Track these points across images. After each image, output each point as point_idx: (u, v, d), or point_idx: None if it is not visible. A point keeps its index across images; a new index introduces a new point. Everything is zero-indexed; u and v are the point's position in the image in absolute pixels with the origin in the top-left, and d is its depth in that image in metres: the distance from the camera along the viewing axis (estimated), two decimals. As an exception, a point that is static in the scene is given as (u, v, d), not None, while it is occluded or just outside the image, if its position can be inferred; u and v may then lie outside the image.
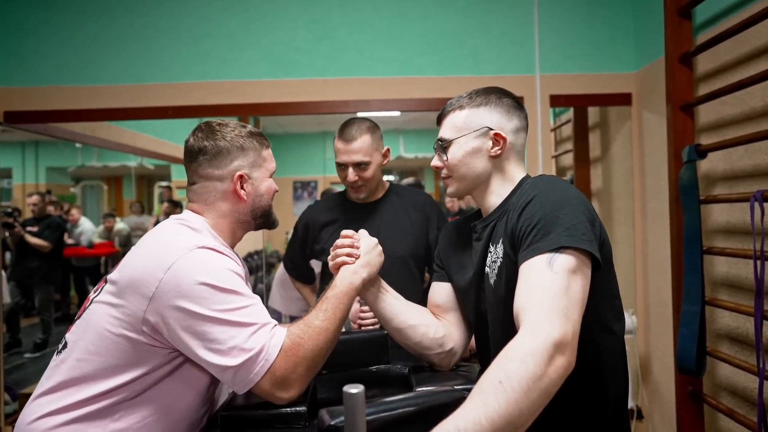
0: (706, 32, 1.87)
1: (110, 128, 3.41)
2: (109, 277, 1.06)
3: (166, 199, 6.34)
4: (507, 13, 2.43)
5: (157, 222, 5.85)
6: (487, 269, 1.08)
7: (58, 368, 1.02)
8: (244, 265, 1.28)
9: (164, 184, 7.88)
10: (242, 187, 1.14)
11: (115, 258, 6.39)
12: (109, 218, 6.65)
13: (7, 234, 3.67)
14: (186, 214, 1.15)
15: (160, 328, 0.98)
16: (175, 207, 5.46)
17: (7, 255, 4.42)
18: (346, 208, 1.80)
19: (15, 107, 2.45)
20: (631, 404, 2.29)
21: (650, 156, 2.29)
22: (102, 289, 1.07)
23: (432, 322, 1.22)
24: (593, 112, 2.84)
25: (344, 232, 1.19)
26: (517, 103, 1.14)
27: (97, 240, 6.45)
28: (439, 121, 1.16)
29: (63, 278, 5.56)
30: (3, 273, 3.59)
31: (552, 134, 3.10)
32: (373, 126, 1.73)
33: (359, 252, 1.16)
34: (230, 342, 0.95)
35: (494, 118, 1.10)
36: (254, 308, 1.00)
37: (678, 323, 1.80)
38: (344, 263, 1.15)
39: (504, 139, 1.09)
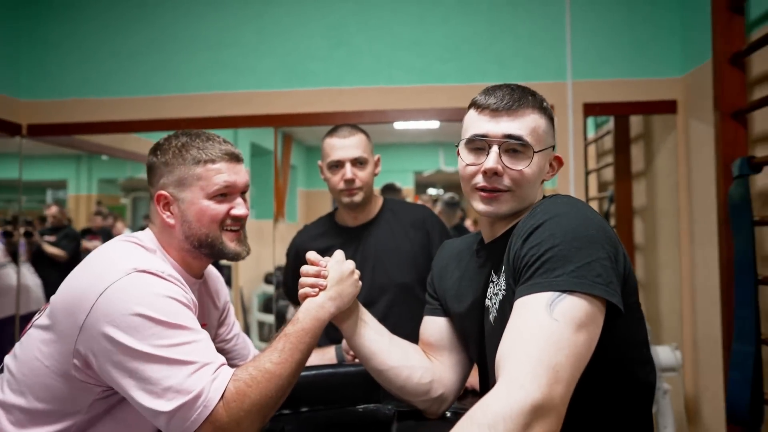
0: (760, 29, 1.64)
1: (139, 141, 3.43)
2: (51, 298, 0.96)
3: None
4: (536, 14, 2.25)
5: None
6: (487, 302, 0.91)
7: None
8: (213, 290, 1.15)
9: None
10: (167, 210, 1.01)
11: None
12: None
13: (24, 242, 3.76)
14: (143, 232, 1.05)
15: (90, 362, 0.87)
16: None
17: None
18: (339, 233, 1.63)
19: (38, 120, 2.48)
20: (676, 450, 2.01)
21: (698, 170, 2.03)
22: (45, 312, 0.97)
23: (419, 364, 1.04)
24: (636, 122, 2.60)
25: (309, 255, 1.04)
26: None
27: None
28: (504, 109, 0.86)
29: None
30: (39, 281, 3.65)
31: (593, 146, 2.87)
32: (364, 130, 1.61)
33: (326, 282, 0.99)
34: (164, 382, 0.82)
35: (553, 134, 0.92)
36: (197, 345, 0.86)
37: (728, 364, 1.55)
38: (307, 295, 0.99)
39: (562, 163, 0.93)
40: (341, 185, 1.54)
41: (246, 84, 2.39)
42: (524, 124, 0.86)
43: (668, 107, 2.18)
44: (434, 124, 5.05)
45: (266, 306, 4.75)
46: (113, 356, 0.84)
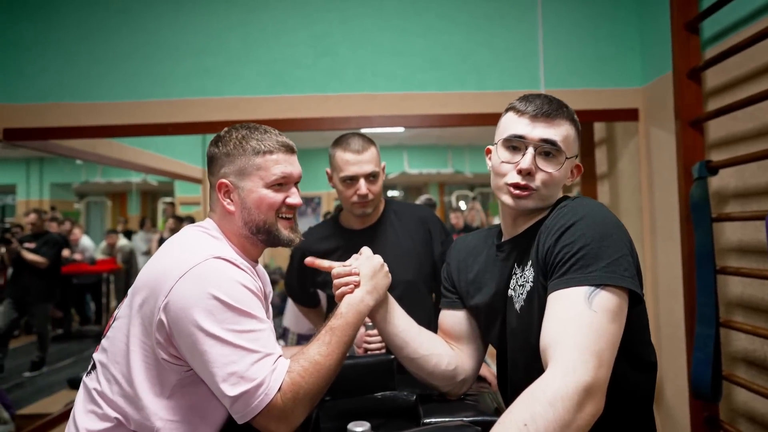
0: (714, 47, 1.84)
1: (111, 145, 3.40)
2: (131, 288, 1.03)
3: (169, 215, 6.31)
4: (511, 28, 2.40)
5: (161, 239, 5.80)
6: (511, 292, 1.01)
7: (95, 392, 0.99)
8: (263, 282, 1.22)
9: (168, 200, 7.87)
10: (228, 197, 1.07)
11: (117, 274, 6.35)
12: (111, 234, 6.62)
13: (3, 250, 3.64)
14: (207, 221, 1.11)
15: (172, 336, 0.94)
16: (180, 222, 5.43)
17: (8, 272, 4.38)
18: (345, 235, 1.69)
19: (15, 124, 2.43)
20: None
21: (659, 172, 2.24)
22: (125, 302, 1.04)
23: (445, 352, 1.14)
24: (599, 128, 2.80)
25: (335, 270, 1.11)
26: None
27: (99, 256, 6.42)
28: (543, 116, 0.95)
29: (63, 295, 5.51)
30: None
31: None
32: (372, 140, 1.66)
33: (359, 279, 1.08)
34: (230, 367, 0.90)
35: (578, 144, 1.01)
36: (262, 334, 0.94)
37: (691, 346, 1.74)
38: (345, 294, 1.07)
39: (580, 172, 1.04)
40: (355, 198, 1.58)
41: (231, 90, 2.43)
42: (558, 132, 0.95)
43: (630, 115, 2.38)
44: (399, 129, 5.16)
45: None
46: (189, 336, 0.91)
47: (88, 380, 1.03)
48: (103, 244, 6.57)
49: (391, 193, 9.61)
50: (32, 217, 4.17)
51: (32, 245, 4.13)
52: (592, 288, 0.82)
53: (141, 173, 7.12)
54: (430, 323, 1.31)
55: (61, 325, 5.94)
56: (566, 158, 0.97)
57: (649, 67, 2.30)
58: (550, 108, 0.96)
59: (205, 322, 0.90)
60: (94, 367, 1.03)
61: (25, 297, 4.22)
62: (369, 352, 1.42)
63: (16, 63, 2.44)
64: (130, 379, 0.96)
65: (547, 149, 0.96)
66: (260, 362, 0.91)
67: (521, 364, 0.99)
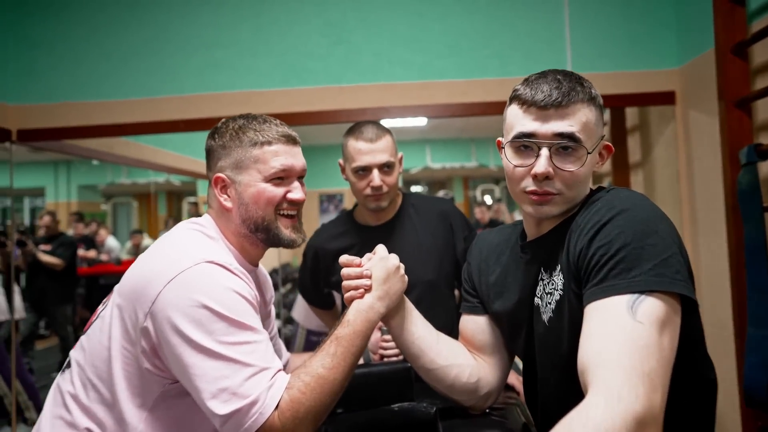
0: (761, 19, 1.67)
1: (129, 144, 3.36)
2: (116, 287, 0.95)
3: (192, 215, 6.33)
4: (534, 9, 2.25)
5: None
6: (537, 300, 0.88)
7: (68, 395, 0.91)
8: (265, 287, 1.12)
9: (192, 200, 7.91)
10: (225, 193, 0.99)
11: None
12: (136, 235, 6.67)
13: (19, 252, 3.65)
14: (204, 218, 1.02)
15: (156, 347, 0.85)
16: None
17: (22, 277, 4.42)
18: (360, 232, 1.57)
19: (28, 125, 2.40)
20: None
21: (700, 159, 2.07)
22: (109, 301, 0.96)
23: (466, 362, 1.02)
24: (631, 114, 2.63)
25: (343, 258, 1.00)
26: None
27: (125, 257, 6.47)
28: (553, 105, 0.80)
29: (90, 296, 5.56)
30: (17, 288, 3.53)
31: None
32: (387, 128, 1.55)
33: (370, 282, 0.96)
34: (221, 382, 0.80)
35: (602, 123, 0.85)
36: (257, 346, 0.84)
37: (742, 349, 1.58)
38: (353, 298, 0.96)
39: (611, 151, 0.87)
40: (368, 191, 1.47)
41: (243, 84, 2.35)
42: (575, 120, 0.80)
43: (666, 98, 2.21)
44: (422, 122, 5.02)
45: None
46: (175, 347, 0.82)
47: (62, 380, 0.94)
48: (129, 244, 6.63)
49: (414, 189, 9.48)
50: (46, 219, 4.18)
51: (48, 247, 4.15)
52: (636, 295, 0.69)
53: (164, 173, 7.17)
54: (453, 327, 1.18)
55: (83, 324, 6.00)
56: (587, 153, 0.81)
57: (687, 46, 2.13)
58: (560, 94, 0.79)
59: (193, 333, 0.81)
60: (69, 365, 0.94)
61: (43, 300, 4.25)
62: (385, 359, 1.32)
63: (26, 62, 2.41)
64: (111, 386, 0.87)
65: (565, 144, 0.80)
66: (255, 377, 0.81)
67: (552, 381, 0.86)
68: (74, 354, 0.95)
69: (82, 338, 0.95)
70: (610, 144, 0.88)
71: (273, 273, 4.83)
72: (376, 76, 2.31)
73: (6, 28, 2.38)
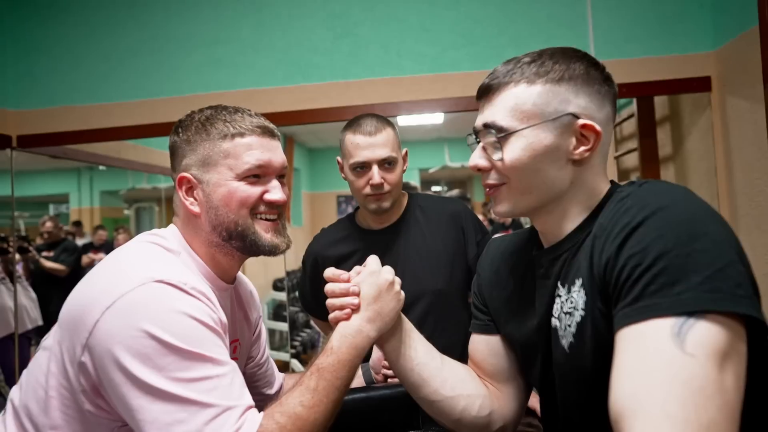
0: (811, -10, 1.49)
1: (136, 148, 3.31)
2: (60, 313, 0.81)
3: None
4: (554, -8, 2.10)
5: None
6: (555, 321, 0.73)
7: None
8: (248, 305, 0.98)
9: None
10: (191, 195, 0.85)
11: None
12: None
13: (20, 259, 3.62)
14: (168, 229, 0.89)
15: (98, 386, 0.72)
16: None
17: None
18: (362, 237, 1.44)
19: (28, 131, 2.34)
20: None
21: (740, 150, 1.88)
22: (52, 330, 0.82)
23: (476, 392, 0.86)
24: (660, 104, 2.44)
25: (327, 273, 0.85)
26: (608, 78, 0.74)
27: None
28: (483, 95, 0.76)
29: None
30: (33, 294, 3.50)
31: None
32: (391, 121, 1.41)
33: (358, 300, 0.82)
34: (175, 429, 0.67)
35: (582, 101, 0.71)
36: (220, 381, 0.70)
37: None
38: (339, 320, 0.82)
39: (597, 133, 0.70)
40: (367, 190, 1.34)
41: (245, 82, 2.24)
42: (501, 106, 0.73)
43: (701, 85, 2.02)
44: (438, 120, 4.86)
45: (276, 313, 4.61)
46: (118, 386, 0.69)
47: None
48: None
49: (434, 189, 9.31)
50: (48, 225, 4.15)
51: (50, 253, 4.11)
52: (684, 318, 0.52)
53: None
54: (466, 344, 1.03)
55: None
56: (509, 134, 0.73)
57: (724, 26, 1.94)
58: (488, 81, 0.77)
59: (138, 370, 0.68)
60: (3, 407, 0.82)
61: (48, 307, 4.22)
62: (389, 380, 1.18)
63: (25, 66, 2.35)
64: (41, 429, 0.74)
65: (479, 137, 0.78)
66: (218, 419, 0.67)
67: (576, 419, 0.71)
68: (12, 393, 0.82)
69: (23, 373, 0.82)
70: (591, 124, 0.70)
71: (278, 282, 4.70)
72: (384, 70, 2.18)
73: (4, 33, 2.33)
